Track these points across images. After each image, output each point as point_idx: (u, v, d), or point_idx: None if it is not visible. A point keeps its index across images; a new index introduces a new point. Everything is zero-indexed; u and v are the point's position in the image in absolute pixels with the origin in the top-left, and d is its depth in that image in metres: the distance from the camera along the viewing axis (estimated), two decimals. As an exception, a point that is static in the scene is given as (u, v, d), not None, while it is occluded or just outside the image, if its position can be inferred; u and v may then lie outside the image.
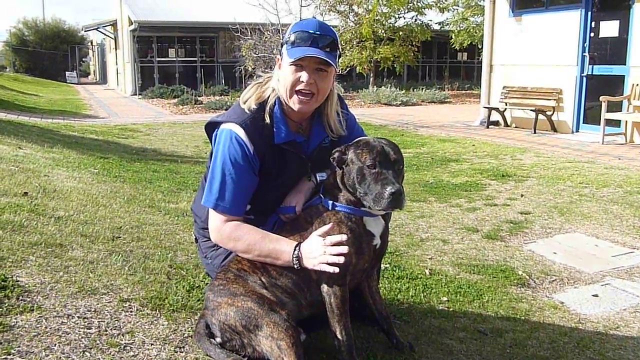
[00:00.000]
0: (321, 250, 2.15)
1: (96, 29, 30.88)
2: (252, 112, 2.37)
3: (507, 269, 3.78)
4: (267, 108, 2.38)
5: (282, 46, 2.39)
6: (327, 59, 2.27)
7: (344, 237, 2.16)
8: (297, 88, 2.31)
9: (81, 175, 5.42)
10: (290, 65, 2.30)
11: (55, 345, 2.11)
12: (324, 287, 2.22)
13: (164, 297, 2.70)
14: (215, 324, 2.21)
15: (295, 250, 2.22)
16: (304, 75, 2.29)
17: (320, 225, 2.25)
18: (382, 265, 3.55)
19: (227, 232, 2.34)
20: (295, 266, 2.22)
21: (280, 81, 2.37)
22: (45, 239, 3.11)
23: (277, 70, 2.43)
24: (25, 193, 4.02)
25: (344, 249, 2.13)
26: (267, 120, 2.36)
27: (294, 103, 2.33)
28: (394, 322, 2.83)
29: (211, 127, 2.49)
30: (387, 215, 2.39)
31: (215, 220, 2.36)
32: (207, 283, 2.93)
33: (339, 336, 2.22)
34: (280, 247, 2.25)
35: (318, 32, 2.30)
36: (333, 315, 2.21)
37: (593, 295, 3.42)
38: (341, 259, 2.11)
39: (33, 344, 2.09)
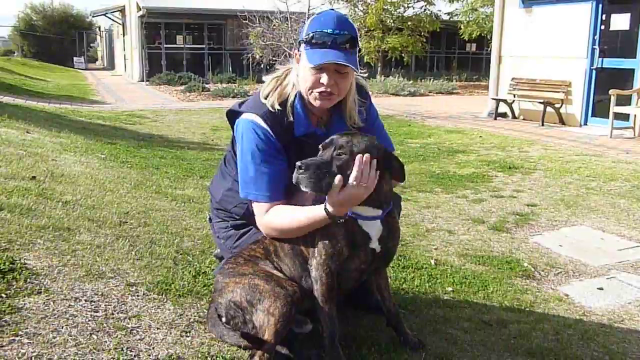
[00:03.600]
0: (358, 189, 2.06)
1: (104, 15, 30.84)
2: (275, 111, 2.35)
3: (513, 260, 3.78)
4: (288, 105, 2.37)
5: (299, 44, 2.36)
6: (347, 64, 2.24)
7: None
8: (318, 90, 2.29)
9: (88, 160, 5.44)
10: (309, 68, 2.27)
11: (62, 327, 2.13)
12: (312, 273, 2.22)
13: (170, 282, 2.72)
14: (222, 303, 2.22)
15: (325, 211, 2.13)
16: (324, 78, 2.26)
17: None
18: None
19: (264, 223, 2.32)
20: (339, 220, 2.14)
21: (300, 80, 2.35)
22: (52, 223, 3.13)
23: (295, 64, 2.41)
24: (33, 177, 4.04)
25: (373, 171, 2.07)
26: (290, 117, 2.35)
27: (314, 99, 2.32)
28: (399, 311, 2.84)
29: (232, 115, 2.49)
30: (391, 220, 2.28)
31: (259, 213, 2.34)
32: (213, 269, 2.95)
33: (322, 321, 2.22)
34: (313, 218, 2.18)
35: (337, 32, 2.26)
36: (319, 301, 2.21)
37: (598, 288, 3.41)
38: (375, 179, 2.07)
39: (40, 326, 2.11)
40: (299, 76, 2.36)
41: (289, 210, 2.27)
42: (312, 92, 2.31)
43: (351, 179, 2.05)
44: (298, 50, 2.39)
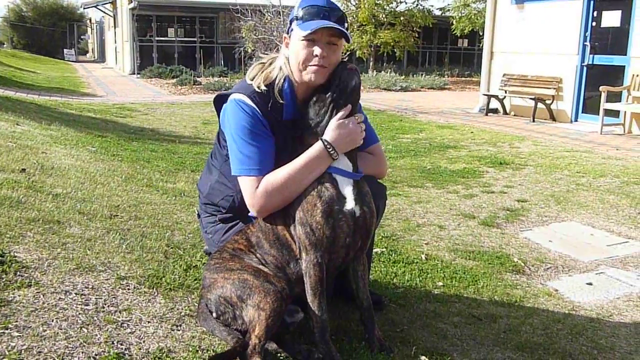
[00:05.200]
0: (357, 127, 2.30)
1: (95, 7, 30.63)
2: (261, 91, 2.37)
3: (503, 255, 3.80)
4: (276, 88, 2.37)
5: (290, 23, 2.38)
6: (343, 29, 2.29)
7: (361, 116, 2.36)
8: (311, 63, 2.30)
9: (79, 153, 5.41)
10: (302, 40, 2.29)
11: (52, 320, 2.12)
12: (302, 266, 2.22)
13: (161, 276, 2.71)
14: (211, 299, 2.23)
15: (323, 143, 2.25)
16: (317, 49, 2.28)
17: (301, 206, 2.24)
18: (378, 249, 3.58)
19: (261, 192, 2.28)
20: (334, 155, 2.25)
21: (291, 58, 2.36)
22: (43, 216, 3.11)
23: (284, 49, 2.42)
24: (23, 169, 4.02)
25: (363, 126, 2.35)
26: (279, 99, 2.36)
27: (307, 73, 2.32)
28: (389, 305, 2.86)
29: (219, 101, 2.51)
30: (362, 183, 2.33)
31: (250, 188, 2.30)
32: (204, 263, 2.94)
33: (312, 316, 2.21)
34: (310, 155, 2.26)
35: (327, 6, 2.31)
36: (308, 295, 2.20)
37: (587, 284, 3.44)
38: (363, 134, 2.34)
39: (30, 319, 2.10)
40: (290, 57, 2.37)
41: (283, 167, 2.29)
42: (305, 66, 2.31)
43: (356, 117, 2.31)
44: (287, 34, 2.40)
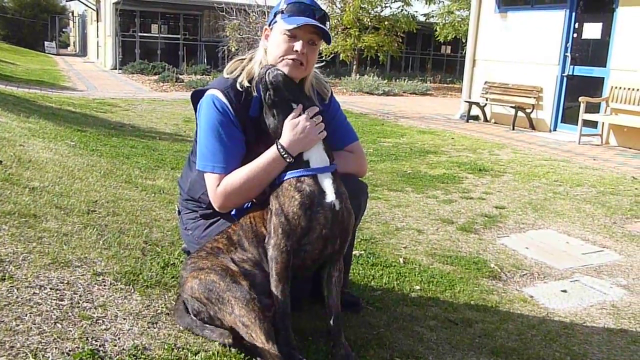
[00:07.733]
0: (310, 124, 2.26)
1: (78, 0, 30.28)
2: (243, 88, 2.38)
3: (480, 261, 3.83)
4: (254, 82, 2.39)
5: (274, 15, 2.39)
6: (326, 30, 2.31)
7: (316, 108, 2.32)
8: (290, 57, 2.31)
9: (57, 146, 5.34)
10: (284, 34, 2.31)
11: (26, 315, 2.09)
12: (269, 252, 2.22)
13: (138, 273, 2.68)
14: (186, 298, 2.22)
15: (277, 147, 2.26)
16: (298, 45, 2.30)
17: (277, 198, 2.24)
18: (356, 252, 3.59)
19: (220, 191, 2.35)
20: (287, 159, 2.25)
21: (271, 50, 2.37)
22: (19, 209, 3.07)
23: (263, 42, 2.44)
24: (0, 162, 3.95)
25: (320, 118, 2.31)
26: (254, 92, 2.38)
27: (283, 66, 2.32)
28: (367, 308, 2.87)
29: (196, 97, 2.52)
30: (340, 182, 2.31)
31: (213, 185, 2.37)
32: (182, 261, 2.92)
33: (275, 302, 2.20)
34: (267, 159, 2.29)
35: (313, 6, 2.34)
36: (273, 280, 2.20)
37: (562, 291, 3.48)
38: (321, 127, 2.30)
39: (3, 313, 2.07)
40: (268, 49, 2.39)
41: (242, 168, 2.33)
42: (282, 59, 2.32)
43: (308, 112, 2.28)
44: (269, 26, 2.42)
